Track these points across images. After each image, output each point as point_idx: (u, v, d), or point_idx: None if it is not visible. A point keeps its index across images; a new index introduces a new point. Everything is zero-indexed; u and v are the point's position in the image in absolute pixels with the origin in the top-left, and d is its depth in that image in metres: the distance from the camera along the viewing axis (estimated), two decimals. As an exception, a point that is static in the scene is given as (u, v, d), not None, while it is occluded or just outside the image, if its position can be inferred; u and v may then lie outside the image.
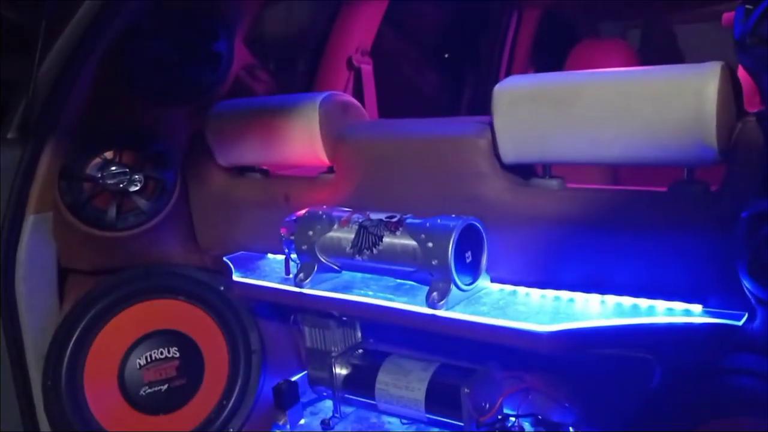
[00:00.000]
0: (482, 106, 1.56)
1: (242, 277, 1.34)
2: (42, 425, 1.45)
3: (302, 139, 1.33)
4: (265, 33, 2.52)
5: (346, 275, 1.23)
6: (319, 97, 1.32)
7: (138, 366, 1.46)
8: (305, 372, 1.46)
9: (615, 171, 1.68)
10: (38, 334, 1.44)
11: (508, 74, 3.07)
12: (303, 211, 1.23)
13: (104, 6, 1.37)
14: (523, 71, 3.20)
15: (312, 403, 1.47)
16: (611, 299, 1.02)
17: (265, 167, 1.52)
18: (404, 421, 1.30)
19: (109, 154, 1.45)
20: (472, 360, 1.24)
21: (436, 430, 1.26)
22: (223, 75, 1.53)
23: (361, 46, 2.34)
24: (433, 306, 1.04)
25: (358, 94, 2.46)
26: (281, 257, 1.33)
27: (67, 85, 1.42)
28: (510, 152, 1.08)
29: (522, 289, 1.11)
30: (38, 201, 1.44)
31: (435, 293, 1.05)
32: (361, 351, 1.34)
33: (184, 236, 1.53)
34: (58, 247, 1.47)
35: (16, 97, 1.52)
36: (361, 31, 2.30)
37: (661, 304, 0.98)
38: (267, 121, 1.39)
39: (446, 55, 3.77)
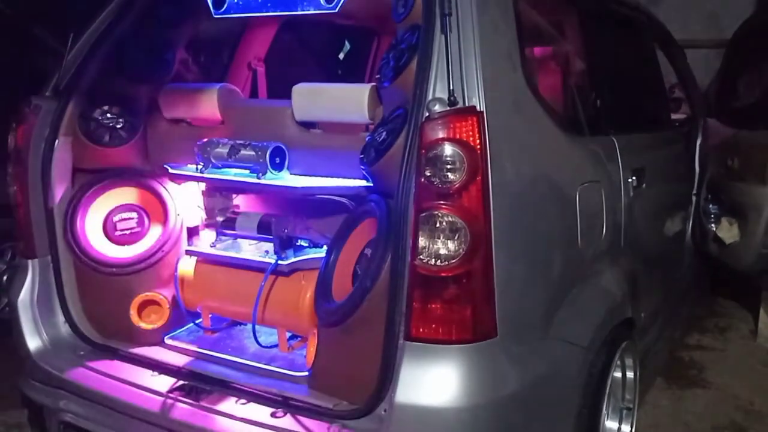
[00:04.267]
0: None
1: (174, 169, 2.63)
2: (61, 249, 2.58)
3: (208, 106, 2.64)
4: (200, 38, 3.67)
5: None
6: (218, 85, 2.64)
7: (114, 220, 2.70)
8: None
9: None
10: (61, 201, 2.50)
11: (370, 81, 4.39)
12: (205, 139, 2.55)
13: (107, 26, 2.62)
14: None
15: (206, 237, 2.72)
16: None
17: (188, 120, 2.81)
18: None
19: (105, 107, 2.61)
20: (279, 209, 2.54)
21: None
22: (170, 69, 2.80)
23: (257, 55, 3.61)
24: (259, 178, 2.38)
25: (255, 87, 3.75)
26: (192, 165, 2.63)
27: (83, 66, 2.51)
28: (299, 115, 2.43)
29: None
30: (65, 130, 2.49)
31: (260, 173, 2.38)
32: (233, 211, 2.66)
33: (143, 153, 2.68)
34: (73, 155, 2.54)
35: (51, 71, 2.73)
36: (256, 45, 3.56)
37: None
38: (191, 96, 2.69)
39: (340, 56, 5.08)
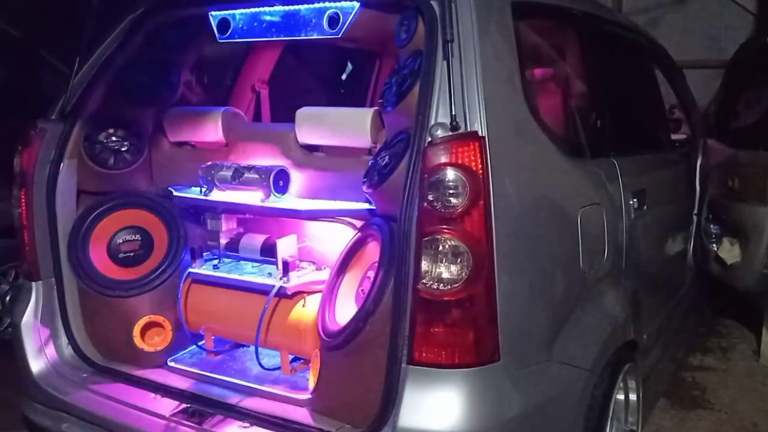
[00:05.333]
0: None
1: (178, 192, 2.65)
2: (65, 271, 2.59)
3: (213, 130, 2.67)
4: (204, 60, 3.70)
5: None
6: (222, 109, 2.67)
7: (118, 242, 2.72)
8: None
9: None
10: (65, 224, 2.51)
11: (372, 102, 4.44)
12: (209, 162, 2.57)
13: (113, 50, 2.65)
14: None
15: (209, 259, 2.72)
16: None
17: (193, 142, 2.84)
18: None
19: (110, 130, 2.66)
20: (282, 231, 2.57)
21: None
22: (174, 93, 2.84)
23: (260, 78, 3.64)
24: (262, 201, 2.39)
25: (258, 109, 3.78)
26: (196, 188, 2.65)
27: (89, 89, 2.53)
28: (302, 138, 2.45)
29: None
30: (70, 153, 2.51)
31: (263, 196, 2.40)
32: (237, 233, 2.67)
33: (148, 175, 2.72)
34: (78, 178, 2.56)
35: (57, 95, 2.76)
36: (260, 68, 3.59)
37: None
38: (196, 119, 2.72)
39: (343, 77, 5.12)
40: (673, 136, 3.95)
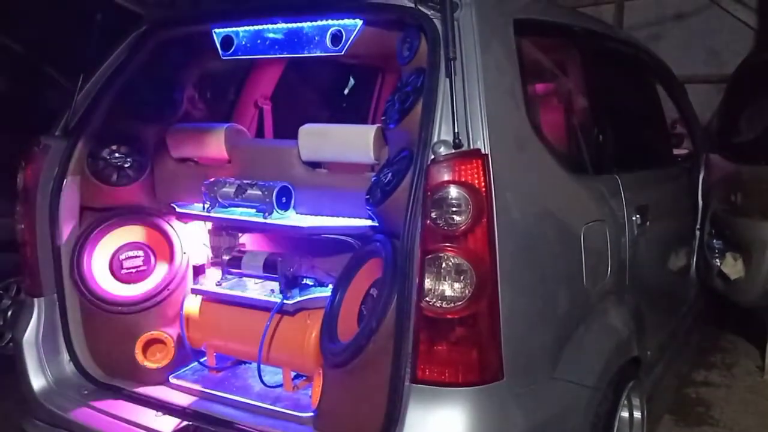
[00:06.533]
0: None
1: (180, 208, 2.65)
2: (67, 287, 2.59)
3: (216, 146, 2.67)
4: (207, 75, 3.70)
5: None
6: (225, 125, 2.67)
7: (120, 258, 2.71)
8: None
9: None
10: (68, 240, 2.50)
11: (374, 117, 4.46)
12: (212, 178, 2.57)
13: (117, 66, 2.66)
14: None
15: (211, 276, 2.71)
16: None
17: (196, 159, 2.84)
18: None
19: (113, 146, 2.65)
20: (284, 248, 2.56)
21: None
22: (178, 109, 2.84)
23: (264, 94, 3.65)
24: (265, 218, 2.39)
25: (261, 125, 3.79)
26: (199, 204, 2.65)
27: (93, 105, 2.52)
28: (305, 155, 2.45)
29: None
30: (74, 169, 2.50)
31: (266, 213, 2.40)
32: (239, 250, 2.67)
33: (150, 191, 2.71)
34: (81, 194, 2.54)
35: (61, 112, 2.77)
36: (263, 84, 3.61)
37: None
38: (199, 136, 2.72)
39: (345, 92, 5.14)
40: (675, 151, 3.95)
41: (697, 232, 3.87)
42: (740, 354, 4.36)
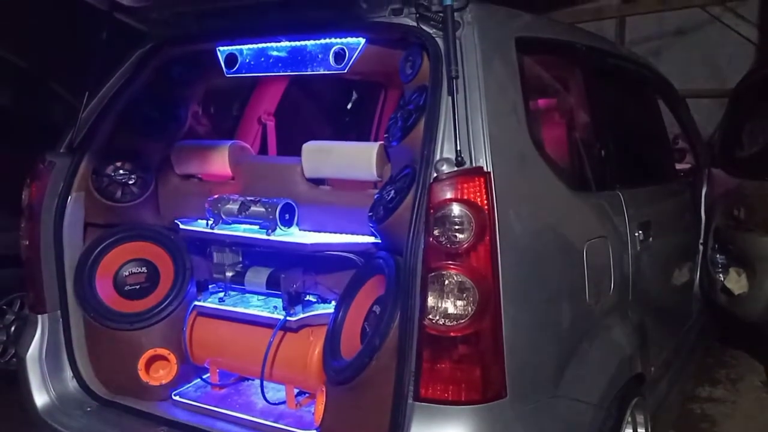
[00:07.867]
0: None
1: (184, 225, 2.66)
2: (71, 304, 2.61)
3: (219, 163, 2.68)
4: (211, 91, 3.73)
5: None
6: (229, 142, 2.69)
7: (124, 275, 2.72)
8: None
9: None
10: (72, 256, 2.52)
11: (377, 133, 4.47)
12: (216, 195, 2.58)
13: (121, 84, 2.68)
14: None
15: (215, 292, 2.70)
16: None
17: (200, 176, 2.86)
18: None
19: (118, 163, 2.69)
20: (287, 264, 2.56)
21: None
22: (182, 126, 2.86)
23: (267, 110, 3.67)
24: (268, 234, 2.40)
25: (264, 141, 3.80)
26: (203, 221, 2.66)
27: (97, 122, 2.55)
28: (308, 173, 2.47)
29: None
30: (78, 186, 2.52)
31: (270, 230, 2.40)
32: (242, 266, 2.67)
33: (155, 208, 2.73)
34: (85, 211, 2.56)
35: (66, 129, 2.78)
36: (267, 100, 3.62)
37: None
38: (203, 153, 2.74)
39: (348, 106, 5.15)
40: (678, 166, 3.96)
41: (700, 247, 3.87)
42: (745, 369, 4.34)
